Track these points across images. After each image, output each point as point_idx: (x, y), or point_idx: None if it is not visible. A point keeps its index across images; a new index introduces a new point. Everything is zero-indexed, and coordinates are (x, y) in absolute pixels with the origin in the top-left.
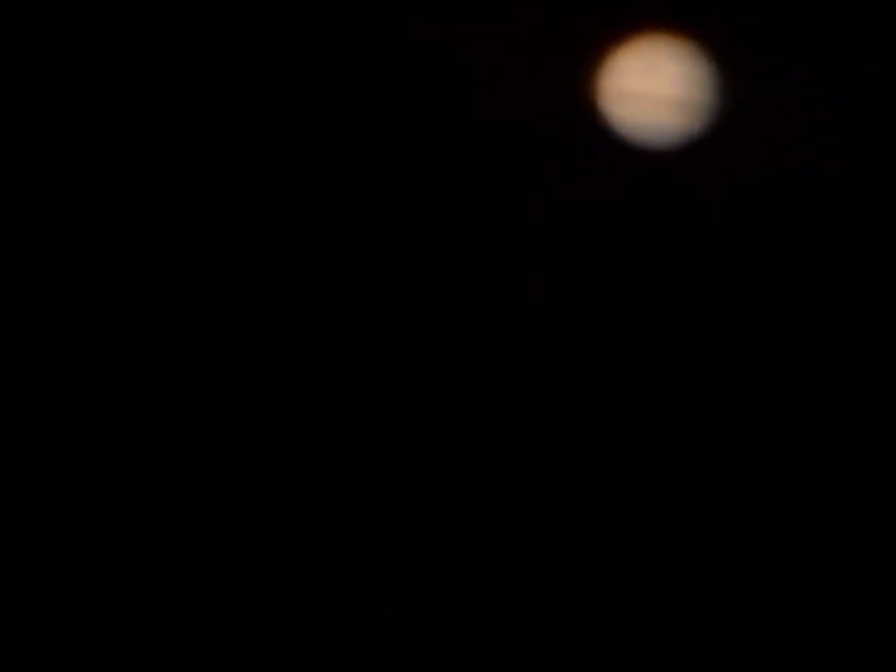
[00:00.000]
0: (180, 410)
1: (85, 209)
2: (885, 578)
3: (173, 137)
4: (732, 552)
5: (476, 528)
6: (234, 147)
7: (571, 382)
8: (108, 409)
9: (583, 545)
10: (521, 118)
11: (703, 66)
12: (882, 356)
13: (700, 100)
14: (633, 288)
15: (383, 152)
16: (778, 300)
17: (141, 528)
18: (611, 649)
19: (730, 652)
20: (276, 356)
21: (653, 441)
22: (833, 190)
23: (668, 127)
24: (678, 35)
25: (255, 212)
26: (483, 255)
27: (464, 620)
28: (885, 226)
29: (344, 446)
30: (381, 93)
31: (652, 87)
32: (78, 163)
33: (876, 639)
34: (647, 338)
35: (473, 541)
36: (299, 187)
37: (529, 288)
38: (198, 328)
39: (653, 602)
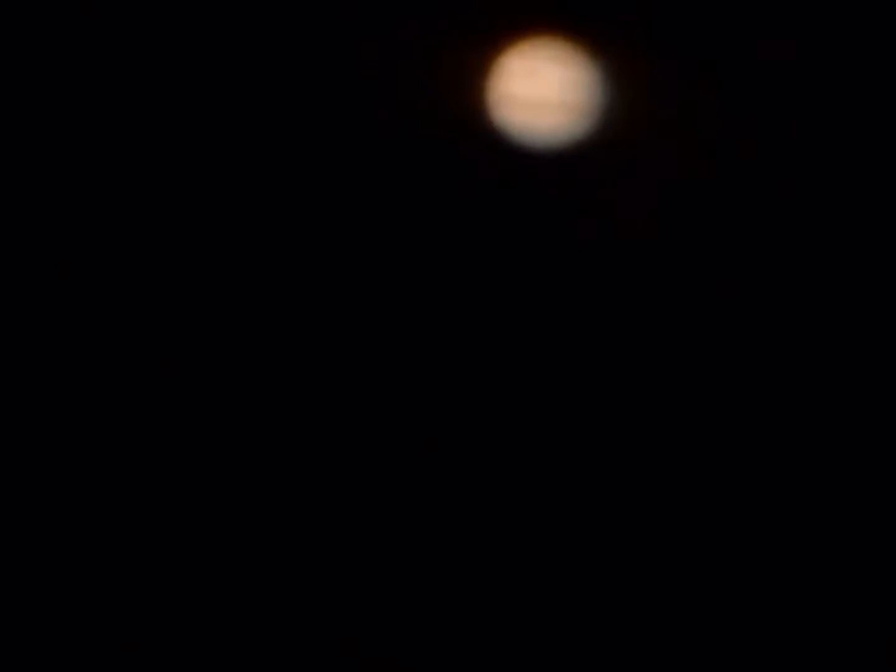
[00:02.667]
0: (180, 411)
1: (84, 209)
2: (885, 578)
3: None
4: (732, 552)
5: (472, 529)
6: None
7: (461, 386)
8: (109, 409)
9: (577, 547)
10: (408, 124)
11: (589, 68)
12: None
13: (587, 102)
14: (522, 290)
15: (264, 154)
16: (666, 303)
17: (141, 528)
18: (611, 649)
19: (730, 652)
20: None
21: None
22: (722, 188)
23: (556, 130)
24: (564, 38)
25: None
26: (369, 259)
27: (463, 620)
28: (770, 220)
29: (341, 447)
30: (268, 96)
31: (539, 91)
32: (76, 163)
33: (876, 639)
34: (530, 340)
35: (472, 542)
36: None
37: (419, 292)
38: (196, 329)
39: (653, 602)
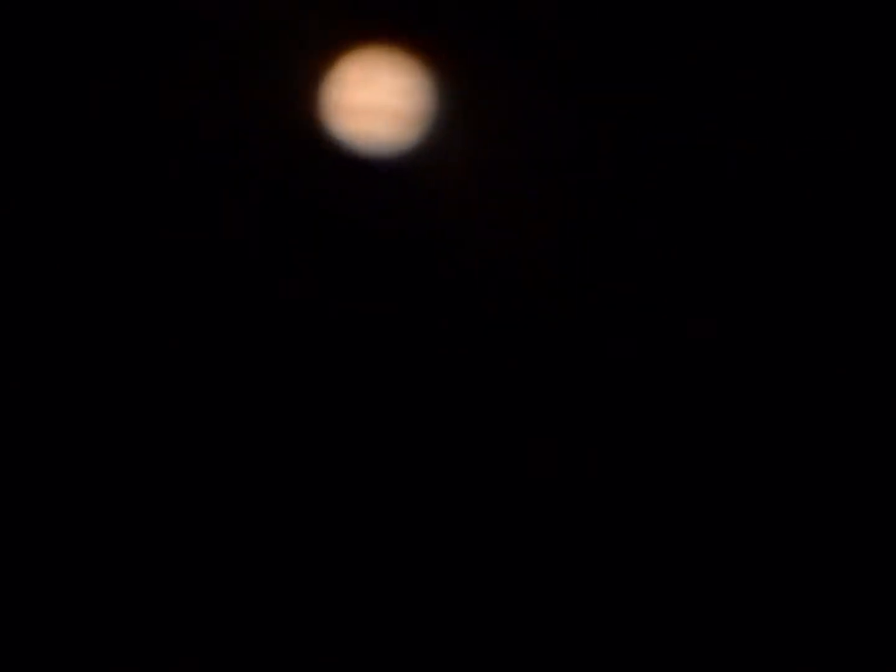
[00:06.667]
0: (178, 413)
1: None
2: (885, 579)
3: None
4: (731, 553)
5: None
6: None
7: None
8: (109, 411)
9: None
10: (241, 133)
11: (423, 75)
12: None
13: (421, 109)
14: (358, 300)
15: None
16: (514, 311)
17: (141, 529)
18: (611, 649)
19: (730, 652)
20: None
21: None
22: (562, 192)
23: (391, 138)
24: (397, 46)
25: None
26: (202, 275)
27: (463, 621)
28: (616, 220)
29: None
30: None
31: (372, 99)
32: (72, 164)
33: (876, 639)
34: (372, 353)
35: (466, 545)
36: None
37: (252, 304)
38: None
39: (653, 602)
